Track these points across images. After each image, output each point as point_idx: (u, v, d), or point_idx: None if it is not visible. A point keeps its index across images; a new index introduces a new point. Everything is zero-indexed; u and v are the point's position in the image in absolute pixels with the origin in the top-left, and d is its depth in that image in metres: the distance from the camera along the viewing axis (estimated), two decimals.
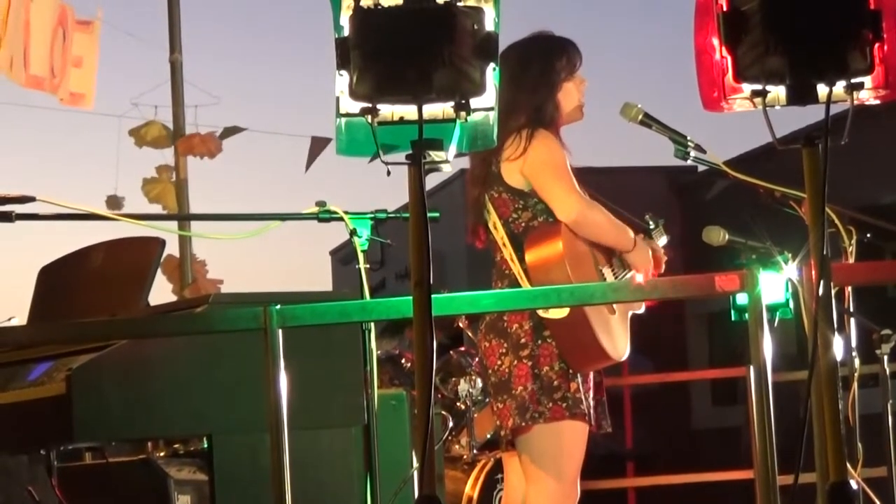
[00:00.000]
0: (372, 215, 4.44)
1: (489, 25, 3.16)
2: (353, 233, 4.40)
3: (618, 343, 4.76)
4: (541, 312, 4.63)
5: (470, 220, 4.93)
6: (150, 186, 10.04)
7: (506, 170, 4.78)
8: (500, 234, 4.80)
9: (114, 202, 9.89)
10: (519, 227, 4.79)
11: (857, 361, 5.34)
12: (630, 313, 4.88)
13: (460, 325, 7.18)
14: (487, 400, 6.70)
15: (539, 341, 4.68)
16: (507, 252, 4.77)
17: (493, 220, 4.83)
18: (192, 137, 10.18)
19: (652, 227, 5.13)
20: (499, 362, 4.74)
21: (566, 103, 4.87)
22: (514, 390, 4.69)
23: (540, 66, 4.84)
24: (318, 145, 10.37)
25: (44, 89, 8.31)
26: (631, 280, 4.85)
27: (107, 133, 10.41)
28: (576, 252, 4.72)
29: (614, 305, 4.75)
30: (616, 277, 4.86)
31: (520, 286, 4.68)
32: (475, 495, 6.91)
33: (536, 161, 4.74)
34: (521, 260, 4.73)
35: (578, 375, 4.69)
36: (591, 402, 4.75)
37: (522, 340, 4.69)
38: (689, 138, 4.73)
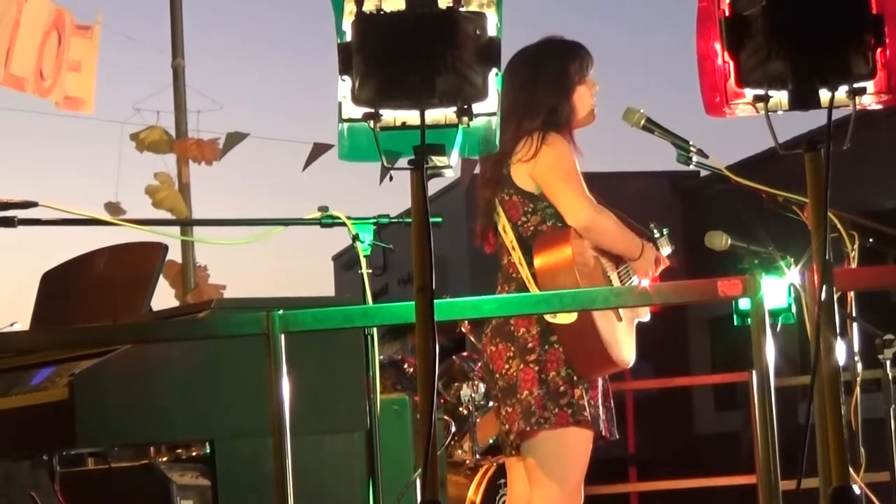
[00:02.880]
0: (374, 220, 4.44)
1: (491, 30, 3.16)
2: (355, 238, 4.40)
3: (624, 350, 4.74)
4: (548, 317, 4.62)
5: (479, 223, 4.90)
6: (161, 195, 9.97)
7: (516, 171, 4.77)
8: (509, 238, 4.79)
9: (113, 208, 9.82)
10: (528, 230, 4.78)
11: (859, 366, 5.33)
12: (636, 321, 4.87)
13: (463, 330, 7.18)
14: (490, 405, 6.71)
15: (546, 346, 4.67)
16: (516, 255, 4.75)
17: (503, 222, 4.82)
18: (187, 141, 10.14)
19: (657, 235, 5.11)
20: (506, 366, 4.72)
21: (580, 107, 4.86)
22: (520, 395, 4.68)
23: (554, 69, 4.84)
24: (318, 150, 10.35)
25: (24, 90, 8.29)
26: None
27: (109, 138, 10.40)
28: (585, 258, 4.71)
29: (621, 312, 4.74)
30: (623, 284, 4.85)
31: (527, 290, 4.67)
32: (478, 500, 6.90)
33: (546, 164, 4.73)
34: (530, 264, 4.71)
35: (584, 382, 4.68)
36: (600, 410, 4.74)
37: (529, 345, 4.68)
38: (691, 143, 4.73)
